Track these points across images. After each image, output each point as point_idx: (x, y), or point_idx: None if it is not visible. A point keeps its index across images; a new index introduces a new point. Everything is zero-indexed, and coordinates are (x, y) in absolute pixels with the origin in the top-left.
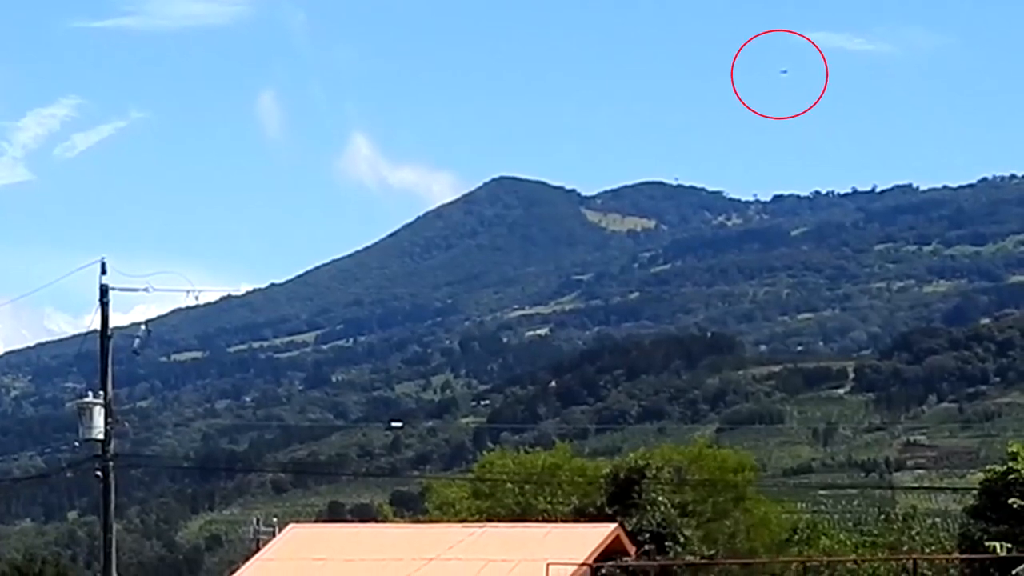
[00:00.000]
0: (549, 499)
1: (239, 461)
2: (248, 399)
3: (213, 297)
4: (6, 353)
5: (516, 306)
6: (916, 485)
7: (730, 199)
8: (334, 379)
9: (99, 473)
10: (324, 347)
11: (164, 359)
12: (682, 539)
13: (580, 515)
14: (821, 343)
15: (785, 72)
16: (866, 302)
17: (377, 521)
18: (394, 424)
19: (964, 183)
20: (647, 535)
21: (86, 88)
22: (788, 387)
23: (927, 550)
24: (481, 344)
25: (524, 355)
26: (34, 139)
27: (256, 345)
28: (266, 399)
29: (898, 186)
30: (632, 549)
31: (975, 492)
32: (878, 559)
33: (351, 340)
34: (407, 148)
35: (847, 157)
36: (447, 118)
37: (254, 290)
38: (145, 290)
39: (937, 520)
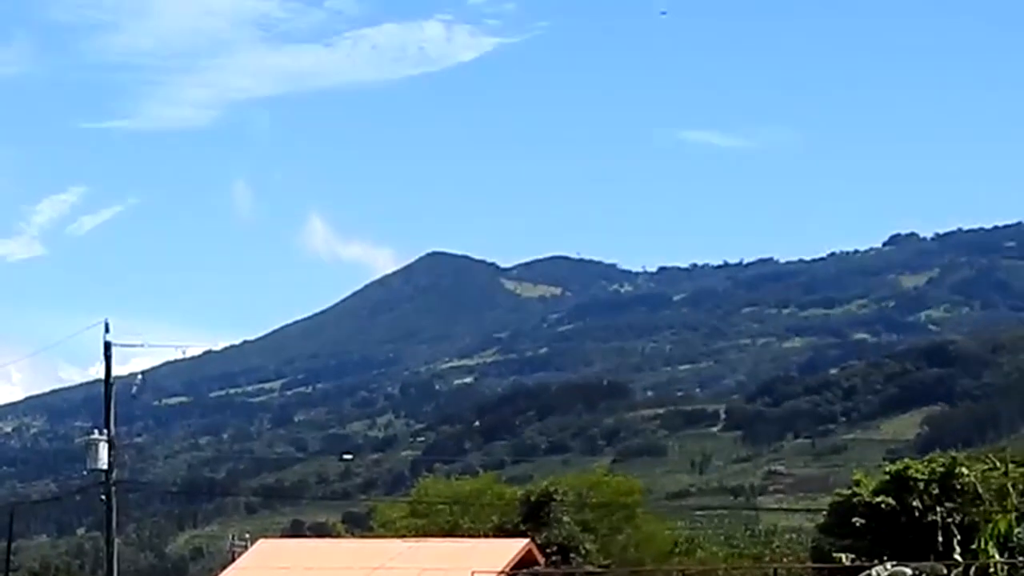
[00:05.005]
0: (474, 518)
1: (218, 486)
2: (225, 435)
3: (196, 351)
4: (26, 398)
5: (447, 359)
6: (776, 507)
7: (623, 270)
8: (296, 419)
9: (103, 496)
10: (288, 393)
11: (156, 403)
12: (583, 551)
13: (499, 531)
14: (698, 389)
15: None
16: (735, 355)
17: (332, 537)
18: (345, 456)
19: (816, 256)
20: (555, 548)
21: (91, 178)
22: (671, 425)
23: (785, 560)
24: (418, 390)
25: (453, 399)
26: (48, 220)
27: (232, 391)
28: (240, 435)
29: (761, 259)
30: (542, 559)
31: (825, 512)
32: (744, 568)
33: (311, 387)
34: (355, 227)
35: (719, 235)
36: (388, 203)
37: (230, 346)
38: (141, 346)
39: (793, 535)
